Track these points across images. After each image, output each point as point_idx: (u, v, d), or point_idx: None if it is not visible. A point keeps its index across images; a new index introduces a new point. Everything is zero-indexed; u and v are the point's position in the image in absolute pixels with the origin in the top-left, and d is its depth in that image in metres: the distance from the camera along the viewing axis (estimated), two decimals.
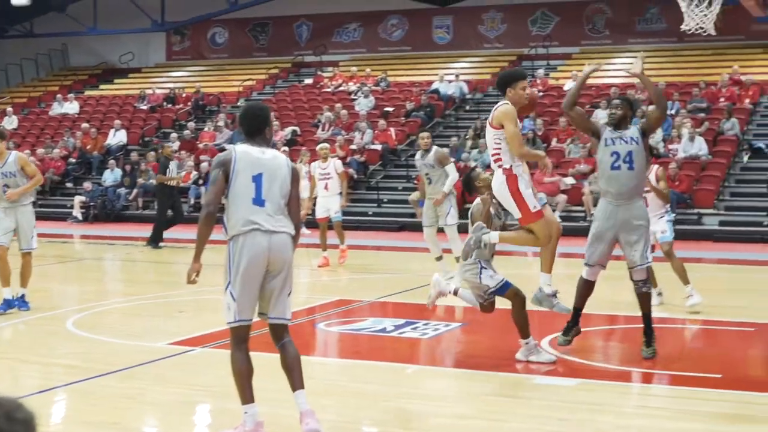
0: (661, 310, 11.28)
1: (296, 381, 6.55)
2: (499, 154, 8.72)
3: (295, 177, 6.69)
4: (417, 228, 25.10)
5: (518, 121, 8.75)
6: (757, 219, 23.21)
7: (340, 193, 17.39)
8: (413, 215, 25.87)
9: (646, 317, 9.22)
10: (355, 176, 27.65)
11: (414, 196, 25.88)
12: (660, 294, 12.02)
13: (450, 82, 33.09)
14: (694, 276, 12.29)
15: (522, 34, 36.22)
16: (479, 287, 9.08)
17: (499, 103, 8.86)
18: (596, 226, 9.23)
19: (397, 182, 28.11)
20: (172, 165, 21.65)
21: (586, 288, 9.33)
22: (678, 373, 8.76)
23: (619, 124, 9.25)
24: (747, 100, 28.73)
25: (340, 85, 34.83)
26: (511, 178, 8.66)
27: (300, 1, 37.19)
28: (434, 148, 15.07)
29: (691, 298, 11.80)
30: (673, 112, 26.64)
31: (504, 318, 9.12)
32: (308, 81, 36.76)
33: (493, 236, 8.83)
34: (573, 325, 9.38)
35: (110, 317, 12.22)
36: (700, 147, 25.03)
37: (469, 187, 9.34)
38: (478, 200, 9.17)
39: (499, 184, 8.75)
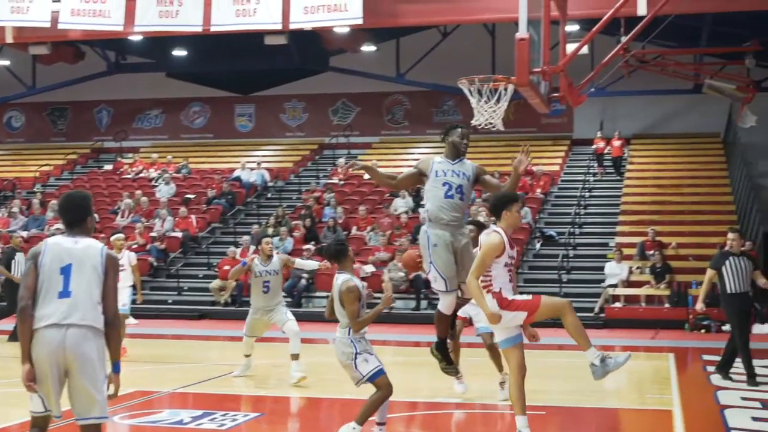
0: (451, 396, 11.54)
1: None
2: (489, 280, 8.50)
3: (110, 266, 6.45)
4: (218, 316, 25.03)
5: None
6: None
7: (132, 286, 16.81)
8: (214, 303, 25.77)
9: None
10: (155, 264, 27.27)
11: (215, 284, 25.81)
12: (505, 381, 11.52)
13: (252, 169, 33.21)
14: (479, 360, 12.56)
15: (323, 123, 36.84)
16: (353, 371, 8.83)
17: (490, 228, 8.83)
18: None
19: (198, 270, 27.85)
20: (19, 256, 19.34)
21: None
22: None
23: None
24: (539, 190, 29.95)
25: (140, 172, 34.44)
26: (500, 298, 8.48)
27: (100, 86, 36.67)
28: (275, 254, 14.18)
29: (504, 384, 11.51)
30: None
31: (308, 407, 9.11)
32: (108, 167, 36.18)
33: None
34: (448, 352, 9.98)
35: None
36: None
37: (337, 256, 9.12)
38: (347, 284, 8.90)
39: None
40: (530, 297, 8.56)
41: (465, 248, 9.53)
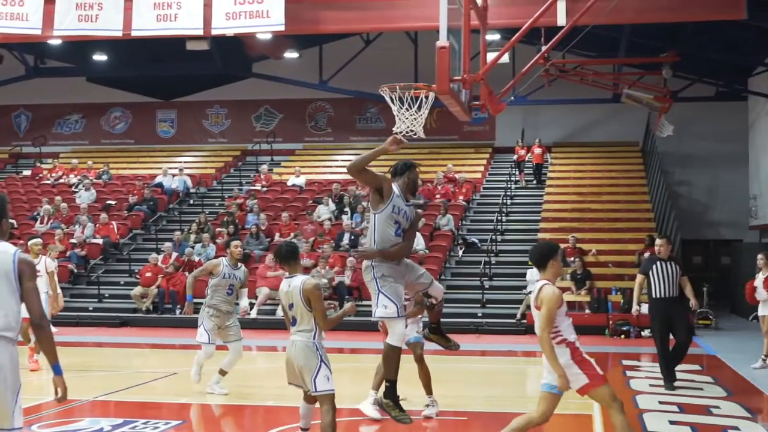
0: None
1: None
2: (559, 332, 8.27)
3: (24, 270, 6.24)
4: (140, 323, 24.81)
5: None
6: (472, 311, 24.19)
7: (47, 292, 16.44)
8: (135, 310, 25.52)
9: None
10: (75, 271, 26.93)
11: (136, 291, 25.57)
12: (431, 405, 11.48)
13: (174, 176, 32.97)
14: (405, 366, 12.59)
15: (246, 129, 36.75)
16: (309, 381, 8.59)
17: (540, 283, 8.46)
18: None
19: (120, 276, 27.55)
20: None
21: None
22: None
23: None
24: (461, 197, 30.17)
25: (60, 177, 33.99)
26: (573, 348, 8.31)
27: (18, 90, 36.08)
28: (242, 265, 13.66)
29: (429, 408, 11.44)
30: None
31: (230, 414, 9.06)
32: (27, 173, 35.63)
33: None
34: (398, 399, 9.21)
35: None
36: (418, 242, 25.95)
37: None
38: (311, 282, 8.74)
39: (562, 357, 8.26)
40: (600, 371, 8.37)
41: (408, 268, 9.40)
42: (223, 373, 13.16)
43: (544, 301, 8.20)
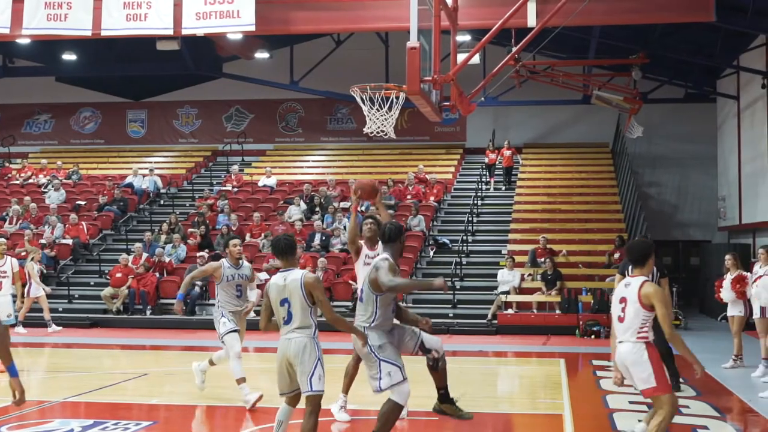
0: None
1: None
2: (646, 328, 8.45)
3: None
4: (110, 324, 24.70)
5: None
6: (443, 311, 24.22)
7: (12, 294, 16.32)
8: (106, 311, 25.40)
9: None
10: (45, 271, 26.76)
11: (107, 292, 25.44)
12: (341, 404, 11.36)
13: (144, 176, 32.84)
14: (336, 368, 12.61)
15: (217, 129, 36.70)
16: (306, 382, 8.35)
17: (640, 279, 8.62)
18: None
19: (90, 277, 27.40)
20: None
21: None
22: None
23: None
24: (432, 198, 30.22)
25: (29, 178, 33.78)
26: (652, 349, 8.46)
27: None
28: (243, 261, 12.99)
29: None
30: (363, 209, 27.55)
31: (201, 415, 9.04)
32: None
33: None
34: None
35: None
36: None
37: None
38: (310, 275, 8.54)
39: (637, 353, 8.44)
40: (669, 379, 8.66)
41: (398, 331, 9.18)
42: (211, 363, 12.88)
43: (655, 297, 8.40)
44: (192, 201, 32.01)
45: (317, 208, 29.00)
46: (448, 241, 27.84)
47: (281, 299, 8.39)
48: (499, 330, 23.40)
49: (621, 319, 8.58)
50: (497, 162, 31.97)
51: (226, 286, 12.58)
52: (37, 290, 22.44)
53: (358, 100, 10.88)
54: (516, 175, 32.41)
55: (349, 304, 23.14)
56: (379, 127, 10.22)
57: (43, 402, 12.62)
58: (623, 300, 8.55)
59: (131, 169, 33.62)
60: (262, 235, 27.39)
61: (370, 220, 10.68)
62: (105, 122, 37.56)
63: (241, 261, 12.74)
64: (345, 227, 26.66)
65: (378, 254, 9.80)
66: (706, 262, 29.08)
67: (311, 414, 8.33)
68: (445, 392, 9.49)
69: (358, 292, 9.26)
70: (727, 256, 16.63)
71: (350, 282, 24.03)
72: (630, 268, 9.10)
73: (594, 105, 28.54)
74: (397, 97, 10.58)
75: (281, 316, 8.43)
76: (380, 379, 8.71)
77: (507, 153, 31.76)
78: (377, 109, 10.28)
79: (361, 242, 10.98)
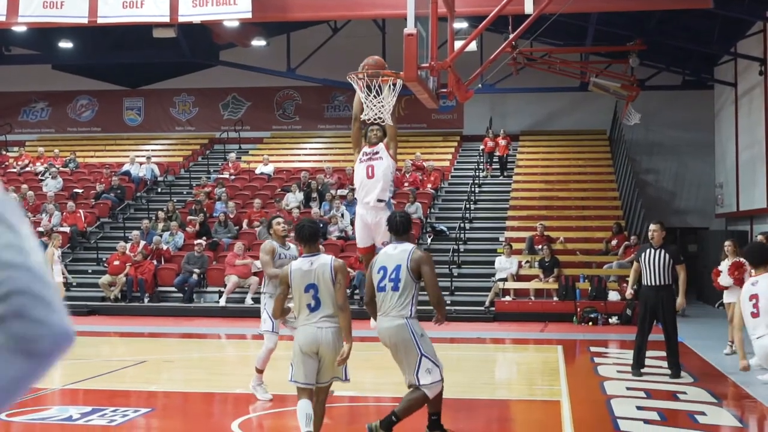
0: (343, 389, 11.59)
1: None
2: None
3: None
4: (108, 312, 24.71)
5: None
6: None
7: None
8: (104, 299, 25.41)
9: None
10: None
11: (104, 279, 25.44)
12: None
13: (141, 164, 32.81)
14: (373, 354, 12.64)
15: (214, 117, 36.67)
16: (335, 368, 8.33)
17: (766, 276, 9.28)
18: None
19: (87, 265, 27.40)
20: None
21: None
22: None
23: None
24: (429, 185, 30.21)
25: (26, 166, 33.74)
26: None
27: None
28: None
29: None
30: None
31: (199, 402, 9.04)
32: None
33: None
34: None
35: None
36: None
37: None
38: (339, 261, 8.55)
39: None
40: None
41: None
42: (258, 370, 11.65)
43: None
44: (189, 189, 31.98)
45: (314, 195, 28.98)
46: (445, 229, 27.84)
47: (306, 284, 8.20)
48: (496, 317, 23.42)
49: (754, 315, 8.86)
50: (494, 151, 31.93)
51: (276, 265, 11.14)
52: (58, 275, 22.51)
53: (355, 86, 10.82)
54: (512, 162, 32.37)
55: (347, 291, 23.12)
56: (376, 114, 10.18)
57: (40, 389, 12.63)
58: (753, 297, 8.83)
59: (128, 157, 33.58)
60: (257, 222, 27.36)
61: (376, 127, 10.61)
62: (102, 110, 37.52)
63: (287, 242, 11.70)
64: (342, 215, 26.68)
65: (376, 153, 10.24)
66: (704, 249, 29.10)
67: (323, 402, 8.41)
68: (437, 419, 9.18)
69: (381, 275, 9.02)
70: (727, 243, 16.62)
71: (348, 269, 23.99)
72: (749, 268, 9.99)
73: (591, 92, 28.51)
74: (394, 84, 10.54)
75: (305, 303, 8.22)
76: (418, 374, 8.64)
77: (502, 142, 31.70)
78: (374, 96, 10.25)
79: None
